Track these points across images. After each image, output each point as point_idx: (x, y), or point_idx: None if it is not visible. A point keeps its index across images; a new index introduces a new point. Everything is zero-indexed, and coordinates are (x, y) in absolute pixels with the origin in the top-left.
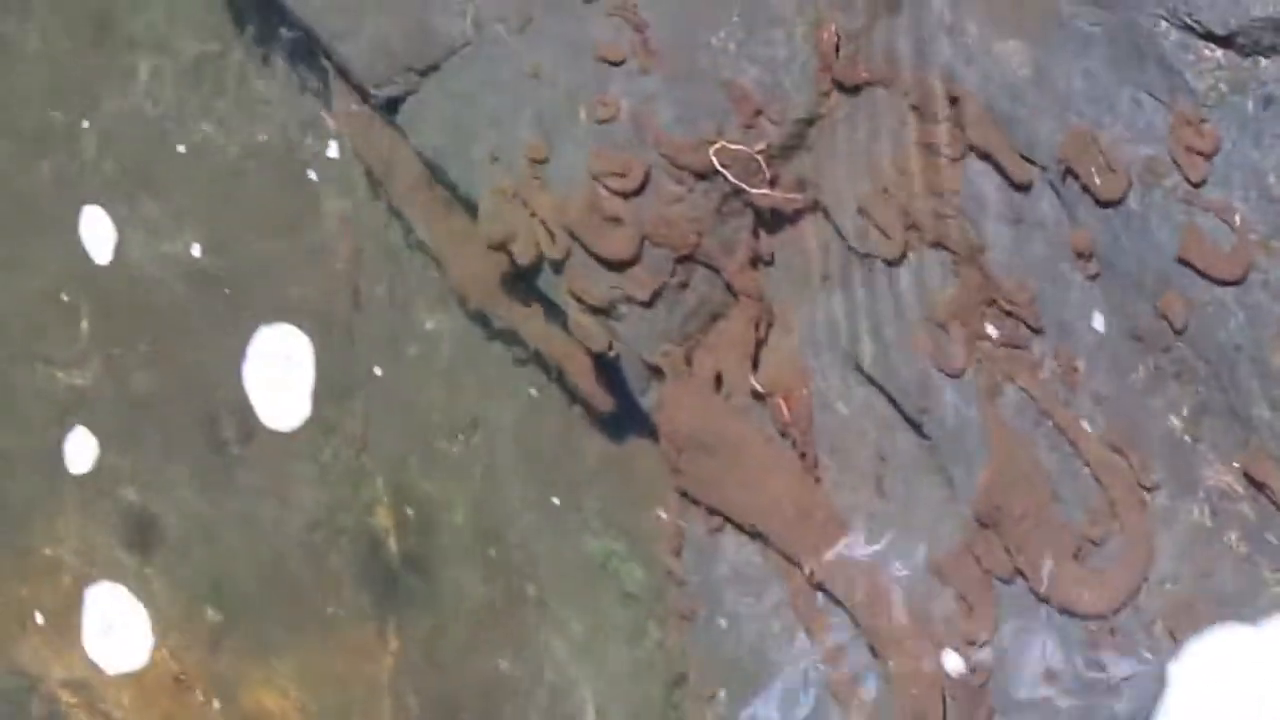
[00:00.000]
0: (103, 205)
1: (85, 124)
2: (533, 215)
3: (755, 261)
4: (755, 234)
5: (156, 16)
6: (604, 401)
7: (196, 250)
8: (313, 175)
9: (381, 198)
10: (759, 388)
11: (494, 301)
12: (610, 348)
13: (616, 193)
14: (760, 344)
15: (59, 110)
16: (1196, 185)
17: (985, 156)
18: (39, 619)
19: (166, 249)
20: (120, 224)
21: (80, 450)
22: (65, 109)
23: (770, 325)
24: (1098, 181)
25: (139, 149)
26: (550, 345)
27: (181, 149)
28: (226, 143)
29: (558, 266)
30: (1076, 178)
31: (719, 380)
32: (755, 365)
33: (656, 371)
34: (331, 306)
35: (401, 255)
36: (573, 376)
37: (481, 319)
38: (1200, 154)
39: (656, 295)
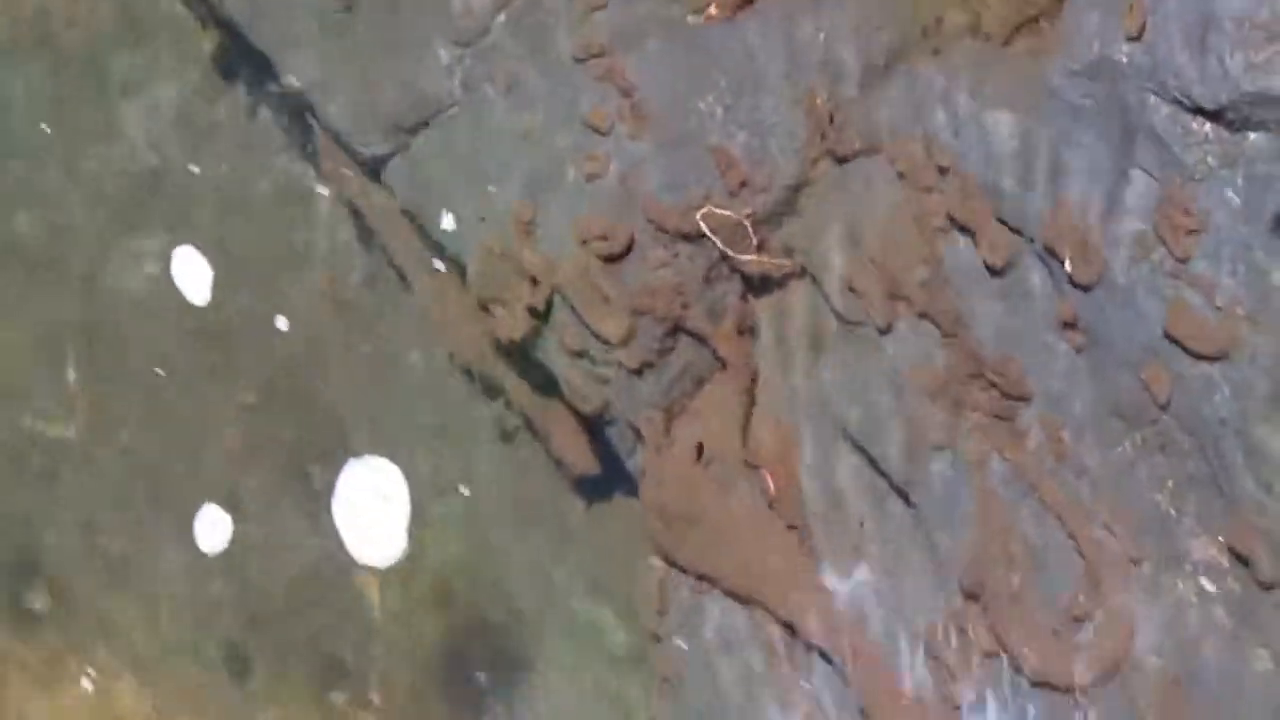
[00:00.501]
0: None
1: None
2: (521, 276)
3: (741, 328)
4: (742, 300)
5: (142, 68)
6: (589, 466)
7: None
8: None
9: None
10: (746, 457)
11: (482, 360)
12: (604, 409)
13: (602, 256)
14: (746, 411)
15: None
16: (1183, 260)
17: (971, 230)
18: None
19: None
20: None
21: None
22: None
23: (755, 392)
24: (1071, 266)
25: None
26: (536, 409)
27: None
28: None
29: (546, 325)
30: (1055, 258)
31: (700, 450)
32: (742, 432)
33: (641, 435)
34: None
35: (387, 308)
36: (557, 442)
37: (469, 374)
38: (1188, 229)
39: (644, 367)
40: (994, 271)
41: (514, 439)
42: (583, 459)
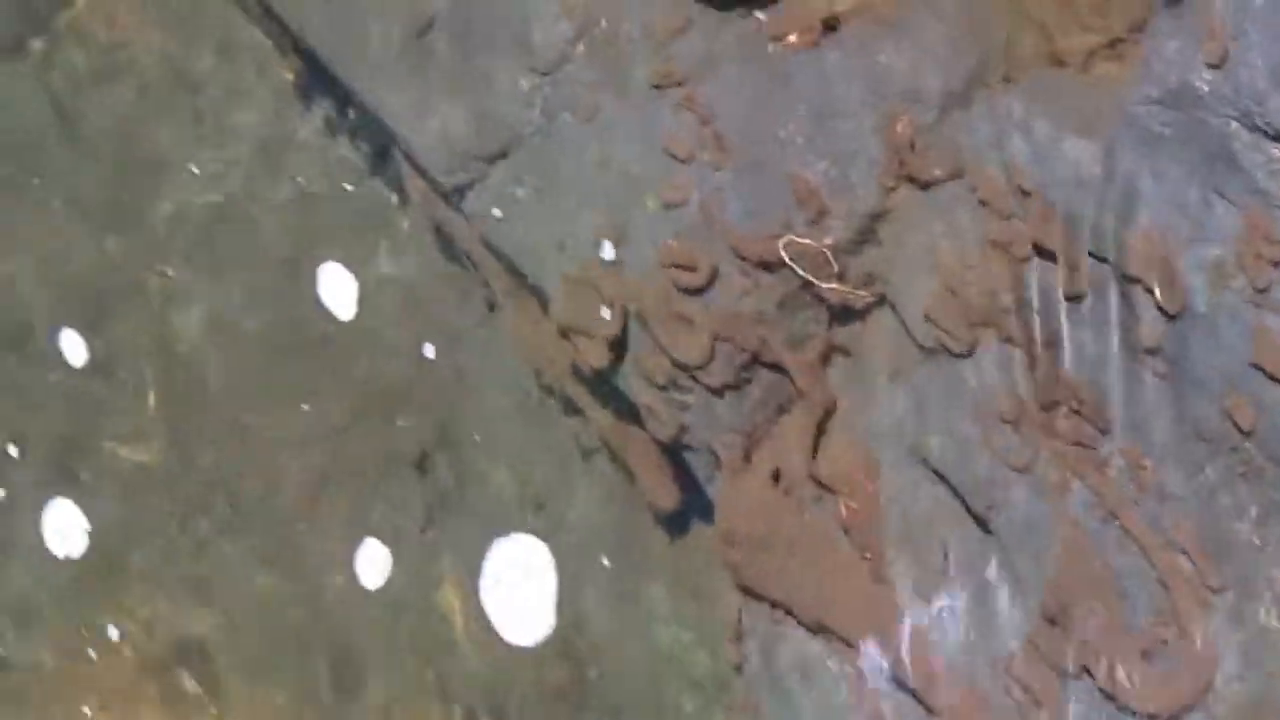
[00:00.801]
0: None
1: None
2: (604, 302)
3: (823, 356)
4: (824, 328)
5: (224, 96)
6: (671, 501)
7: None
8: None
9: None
10: (822, 482)
11: (565, 382)
12: (680, 434)
13: (685, 288)
14: (823, 438)
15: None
16: (1264, 289)
17: (1053, 256)
18: None
19: None
20: None
21: None
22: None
23: (833, 419)
24: (1158, 292)
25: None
26: (620, 438)
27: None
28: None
29: (626, 351)
30: (1140, 284)
31: (777, 475)
32: (817, 459)
33: (719, 460)
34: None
35: (467, 333)
36: (640, 474)
37: (552, 397)
38: (1270, 256)
39: (724, 388)
40: (1076, 298)
41: (595, 465)
42: (665, 494)
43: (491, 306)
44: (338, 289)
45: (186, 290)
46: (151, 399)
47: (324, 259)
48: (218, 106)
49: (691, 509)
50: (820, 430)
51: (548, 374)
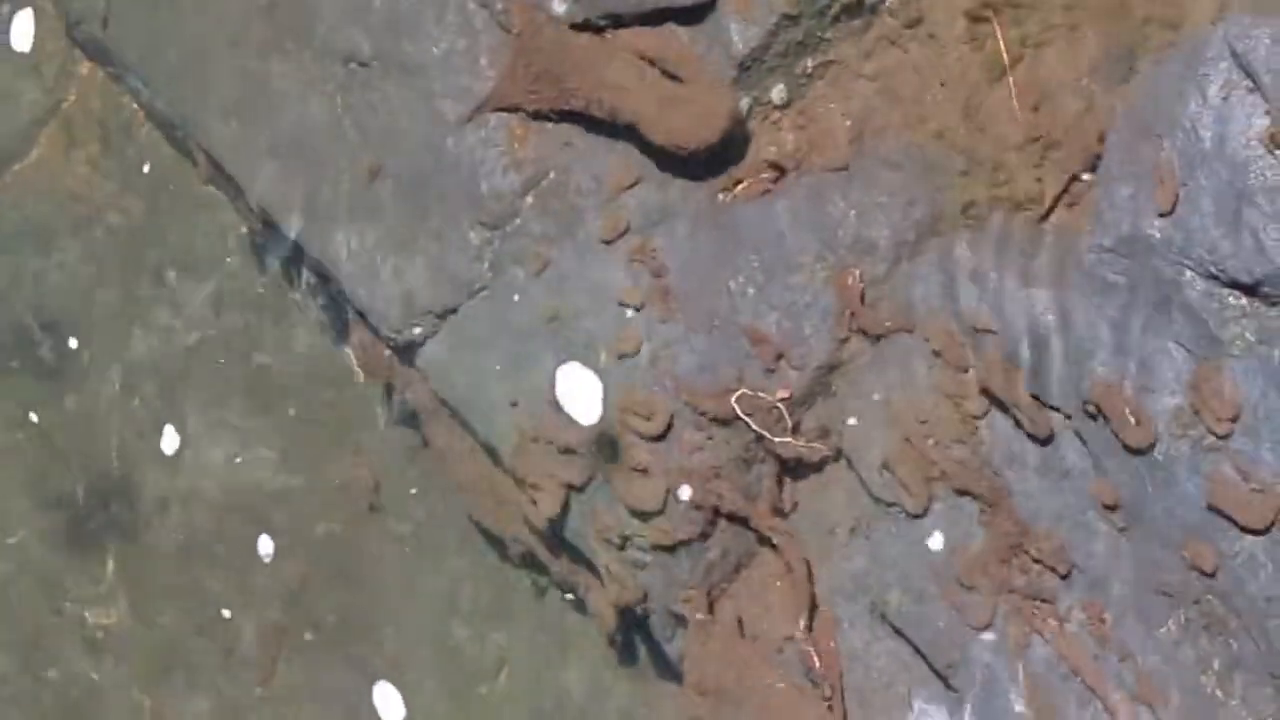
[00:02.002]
0: None
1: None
2: (555, 457)
3: (779, 510)
4: (779, 482)
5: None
6: (627, 653)
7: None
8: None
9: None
10: (787, 635)
11: (521, 535)
12: (644, 600)
13: (642, 435)
14: (788, 591)
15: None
16: (1223, 436)
17: (1007, 407)
18: None
19: None
20: None
21: None
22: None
23: (796, 574)
24: (1125, 430)
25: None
26: (579, 586)
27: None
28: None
29: (581, 509)
30: (1106, 422)
31: (742, 627)
32: (782, 613)
33: (681, 620)
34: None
35: (423, 488)
36: (598, 617)
37: (505, 551)
38: (1226, 404)
39: (680, 545)
40: (1038, 442)
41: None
42: (621, 647)
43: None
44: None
45: None
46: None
47: None
48: (172, 262)
49: (653, 668)
50: (788, 581)
51: (503, 528)
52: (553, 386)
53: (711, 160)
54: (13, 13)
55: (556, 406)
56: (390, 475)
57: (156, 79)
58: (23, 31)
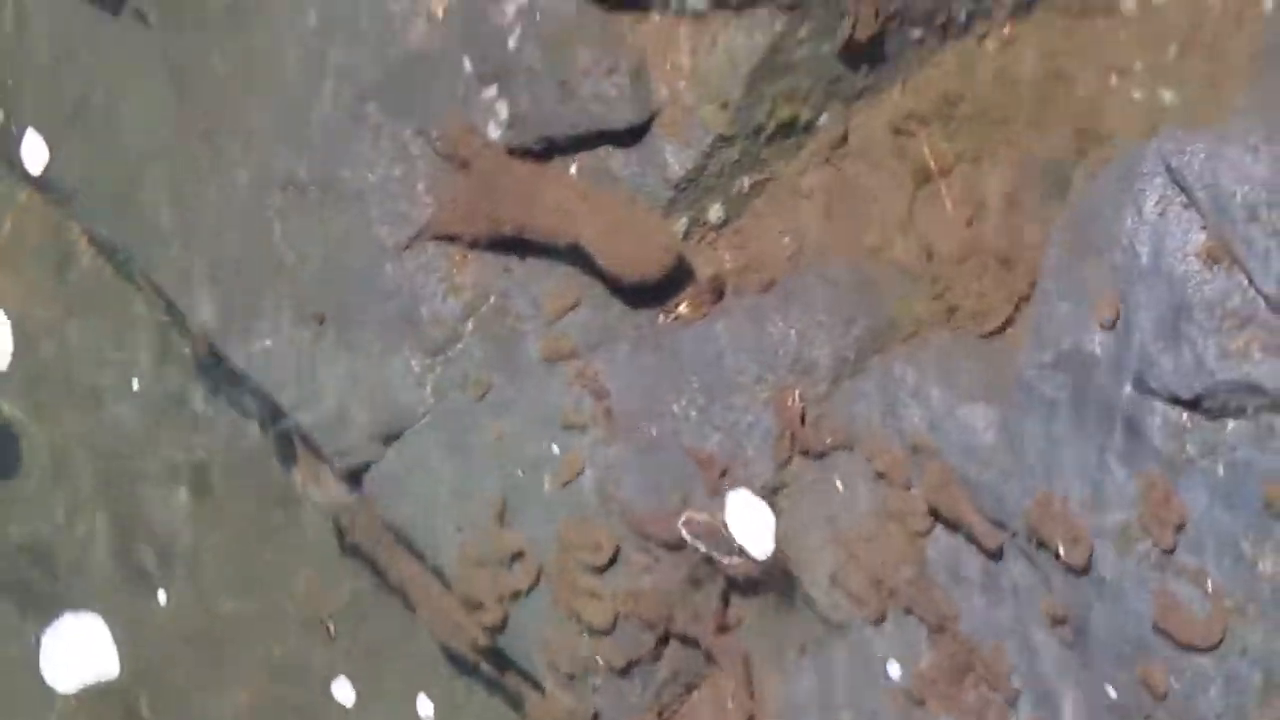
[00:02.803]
0: None
1: None
2: (500, 585)
3: (728, 630)
4: (727, 603)
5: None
6: None
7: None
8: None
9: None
10: None
11: (473, 655)
12: None
13: (588, 566)
14: (737, 713)
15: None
16: (1169, 551)
17: (953, 524)
18: None
19: None
20: None
21: None
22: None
23: (742, 695)
24: (1063, 550)
25: None
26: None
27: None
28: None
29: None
30: (1044, 546)
31: None
32: None
33: None
34: (305, 668)
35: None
36: None
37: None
38: (1171, 520)
39: (630, 666)
40: (990, 554)
41: None
42: None
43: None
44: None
45: None
46: None
47: None
48: (114, 384)
49: None
50: (739, 701)
51: (455, 645)
52: (500, 514)
53: (651, 285)
54: None
55: (501, 527)
56: (340, 595)
57: (96, 204)
58: None
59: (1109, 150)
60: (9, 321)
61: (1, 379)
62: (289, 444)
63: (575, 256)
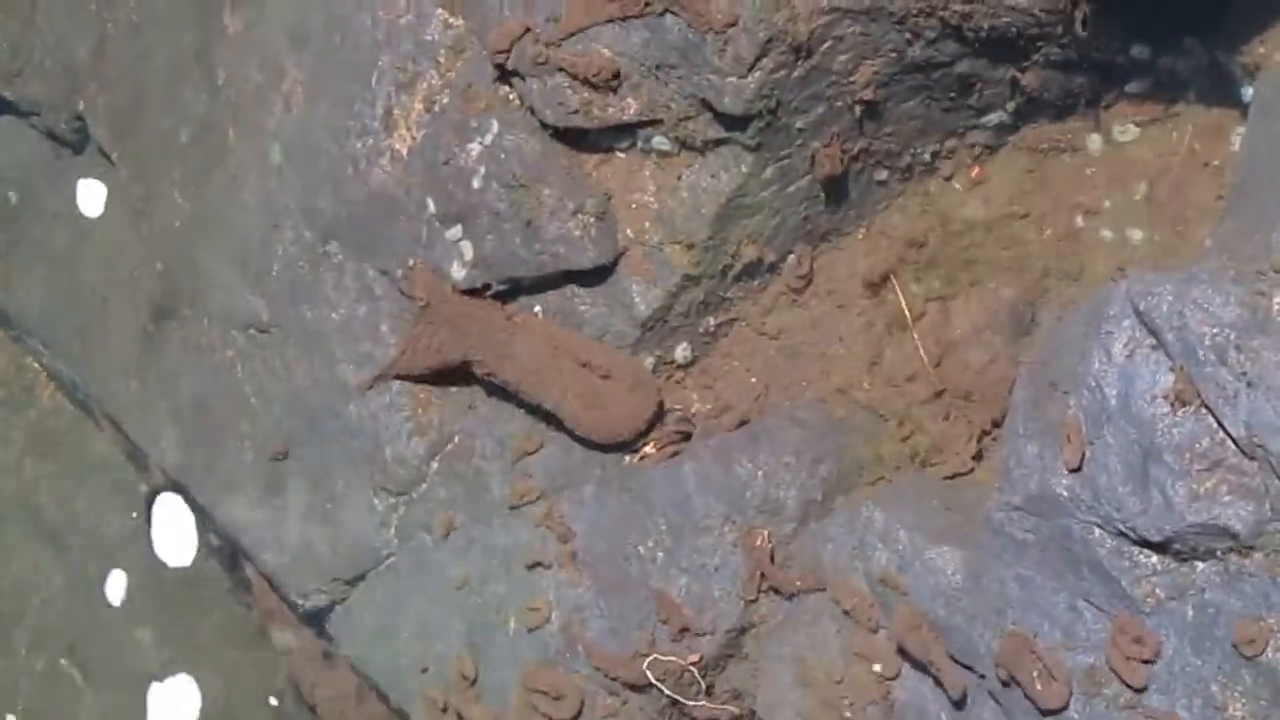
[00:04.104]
0: None
1: None
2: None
3: None
4: None
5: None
6: None
7: None
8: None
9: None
10: None
11: None
12: None
13: (552, 718)
14: None
15: None
16: (1138, 691)
17: (921, 666)
18: None
19: None
20: None
21: None
22: None
23: None
24: (1039, 688)
25: None
26: None
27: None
28: None
29: None
30: (1017, 685)
31: None
32: None
33: None
34: None
35: None
36: None
37: None
38: (1140, 662)
39: None
40: (956, 702)
41: None
42: None
43: None
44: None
45: None
46: None
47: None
48: (73, 523)
49: None
50: None
51: None
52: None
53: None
54: None
55: (467, 683)
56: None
57: (56, 341)
58: None
59: (1075, 288)
60: None
61: None
62: (248, 585)
63: (545, 415)
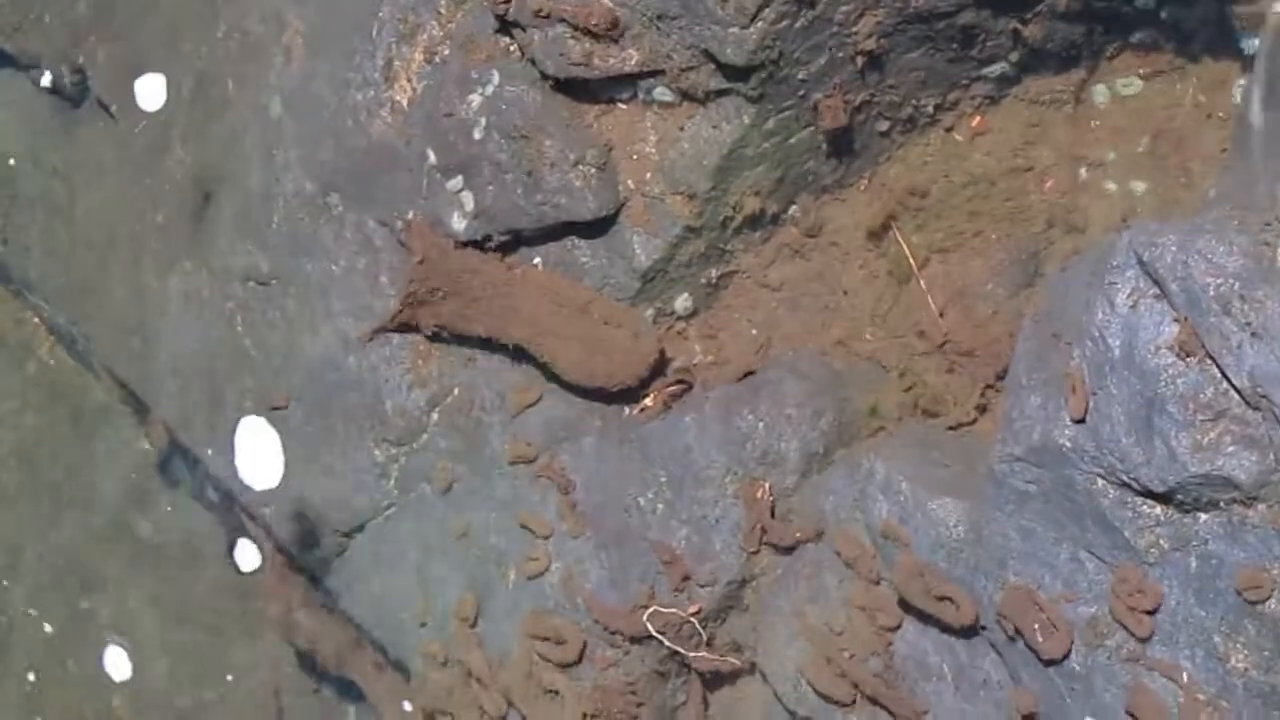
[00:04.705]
0: None
1: None
2: (468, 680)
3: None
4: (703, 699)
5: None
6: None
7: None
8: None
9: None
10: None
11: None
12: None
13: (554, 662)
14: None
15: None
16: (1141, 641)
17: (924, 616)
18: None
19: None
20: None
21: None
22: None
23: None
24: (1040, 639)
25: None
26: None
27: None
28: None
29: None
30: (1019, 635)
31: None
32: None
33: None
34: None
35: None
36: None
37: None
38: (1143, 613)
39: None
40: (962, 631)
41: None
42: None
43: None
44: None
45: None
46: None
47: None
48: (76, 477)
49: None
50: None
51: None
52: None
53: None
54: None
55: (467, 633)
56: (295, 683)
57: (56, 296)
58: None
59: (1078, 240)
60: None
61: None
62: (248, 535)
63: (544, 367)
